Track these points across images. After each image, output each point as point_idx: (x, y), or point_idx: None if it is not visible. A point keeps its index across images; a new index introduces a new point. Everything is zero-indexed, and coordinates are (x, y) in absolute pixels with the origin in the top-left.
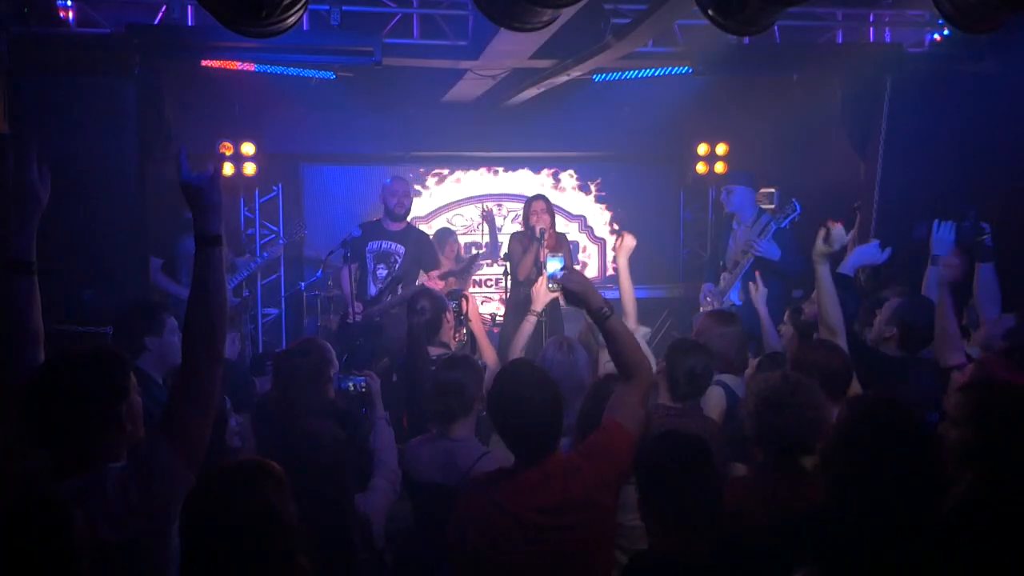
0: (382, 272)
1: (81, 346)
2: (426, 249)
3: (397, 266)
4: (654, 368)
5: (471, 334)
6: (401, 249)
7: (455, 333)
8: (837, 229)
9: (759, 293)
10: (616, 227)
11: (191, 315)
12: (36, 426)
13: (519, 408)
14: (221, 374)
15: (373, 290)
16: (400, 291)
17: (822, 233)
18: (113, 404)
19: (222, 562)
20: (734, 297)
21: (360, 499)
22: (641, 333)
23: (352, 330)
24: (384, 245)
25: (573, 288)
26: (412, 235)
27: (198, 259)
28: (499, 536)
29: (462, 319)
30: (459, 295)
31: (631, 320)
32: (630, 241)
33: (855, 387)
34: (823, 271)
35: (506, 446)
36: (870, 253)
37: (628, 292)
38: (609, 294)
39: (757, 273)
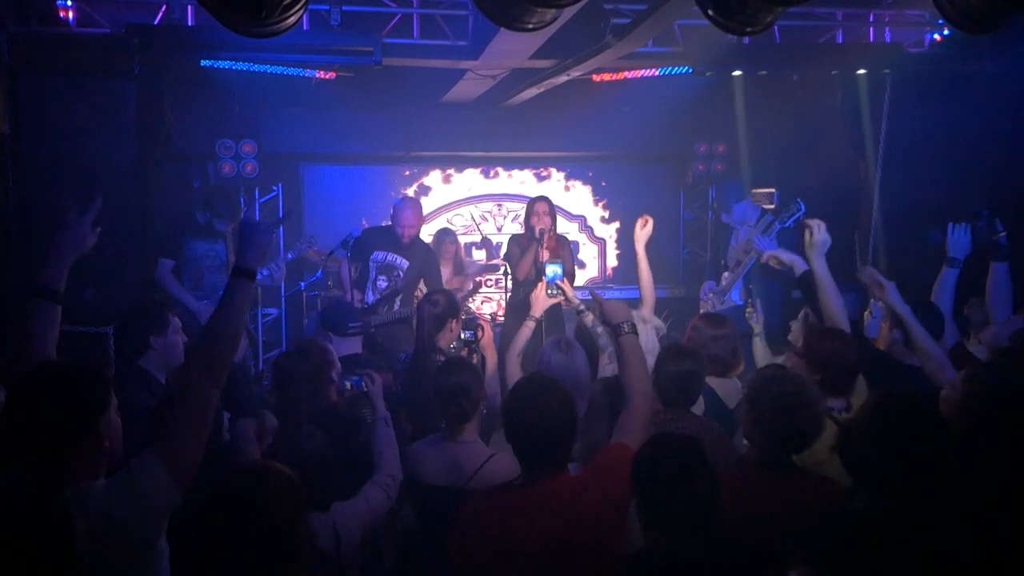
0: (382, 283)
1: (60, 360)
2: (431, 264)
3: (399, 280)
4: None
5: (483, 359)
6: (405, 264)
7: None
8: (819, 225)
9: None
10: (612, 218)
11: (203, 336)
12: (12, 443)
13: (533, 423)
14: (217, 398)
15: (371, 298)
16: (397, 306)
17: (807, 232)
18: (91, 420)
19: (227, 569)
20: (735, 297)
21: (336, 507)
22: (654, 325)
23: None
24: (390, 257)
25: (612, 316)
26: (418, 249)
27: (228, 285)
28: (504, 551)
29: (475, 347)
30: (475, 324)
31: (647, 308)
32: (649, 227)
33: (860, 386)
34: (818, 265)
35: (517, 458)
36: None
37: (647, 279)
38: (609, 294)
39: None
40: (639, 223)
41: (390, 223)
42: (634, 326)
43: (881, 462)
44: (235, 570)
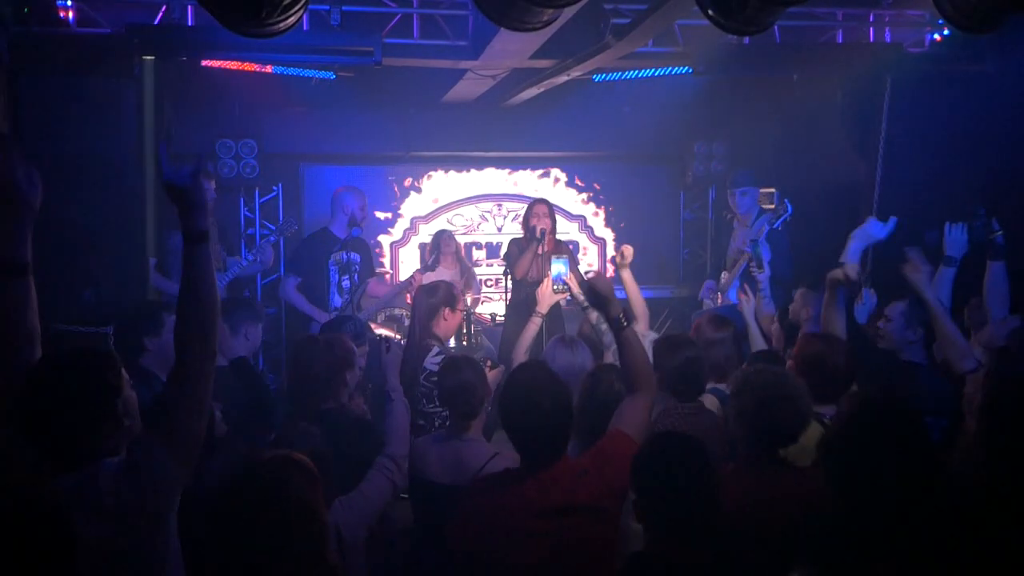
0: (346, 283)
1: (71, 345)
2: (370, 255)
3: (356, 275)
4: None
5: None
6: (357, 257)
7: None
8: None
9: (748, 304)
10: (614, 228)
11: (181, 312)
12: (31, 424)
13: (530, 411)
14: (214, 371)
15: (338, 302)
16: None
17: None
18: (108, 400)
19: (252, 558)
20: (732, 296)
21: (336, 504)
22: (649, 339)
23: None
24: (344, 256)
25: (602, 291)
26: (360, 242)
27: (186, 256)
28: (503, 538)
29: None
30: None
31: (642, 324)
32: (628, 252)
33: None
34: (833, 294)
35: (515, 448)
36: (873, 230)
37: (636, 298)
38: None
39: (745, 286)
40: (616, 255)
41: (329, 225)
42: (629, 318)
43: (859, 472)
44: (262, 559)
